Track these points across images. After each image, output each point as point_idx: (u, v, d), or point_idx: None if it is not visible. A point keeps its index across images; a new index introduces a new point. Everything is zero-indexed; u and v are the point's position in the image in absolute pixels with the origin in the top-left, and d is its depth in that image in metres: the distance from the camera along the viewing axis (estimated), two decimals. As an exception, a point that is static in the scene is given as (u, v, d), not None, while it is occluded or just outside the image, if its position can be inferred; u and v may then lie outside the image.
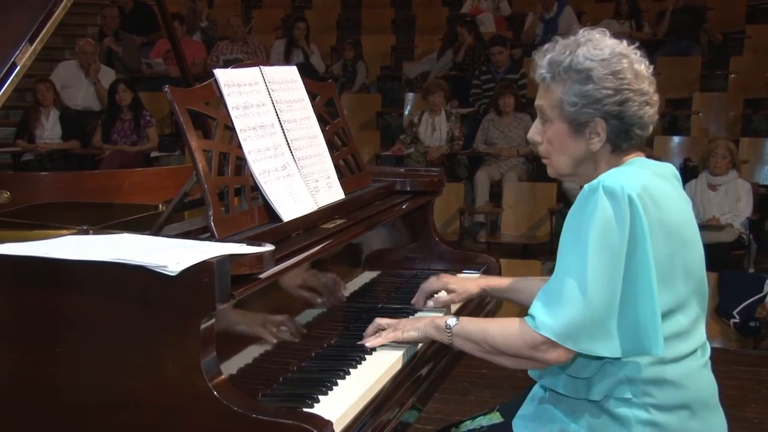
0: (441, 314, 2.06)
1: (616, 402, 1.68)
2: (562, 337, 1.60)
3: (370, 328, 1.93)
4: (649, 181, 1.65)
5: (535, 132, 1.80)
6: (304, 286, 1.94)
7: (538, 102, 1.77)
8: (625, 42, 1.72)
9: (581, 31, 1.72)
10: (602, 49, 1.68)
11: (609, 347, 1.61)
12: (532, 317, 1.65)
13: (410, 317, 1.98)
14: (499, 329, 1.72)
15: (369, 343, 1.89)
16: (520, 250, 6.35)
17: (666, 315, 1.63)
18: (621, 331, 1.61)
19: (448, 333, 1.80)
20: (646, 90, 1.69)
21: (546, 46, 1.74)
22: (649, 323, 1.61)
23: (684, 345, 1.69)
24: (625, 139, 1.71)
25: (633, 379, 1.66)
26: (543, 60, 1.73)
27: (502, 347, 1.70)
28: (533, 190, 6.57)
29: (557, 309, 1.61)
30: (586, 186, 1.64)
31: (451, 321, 1.81)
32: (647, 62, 1.73)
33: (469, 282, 2.19)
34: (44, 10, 2.16)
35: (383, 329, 1.91)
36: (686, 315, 1.69)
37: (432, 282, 2.19)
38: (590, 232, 1.59)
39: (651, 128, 1.73)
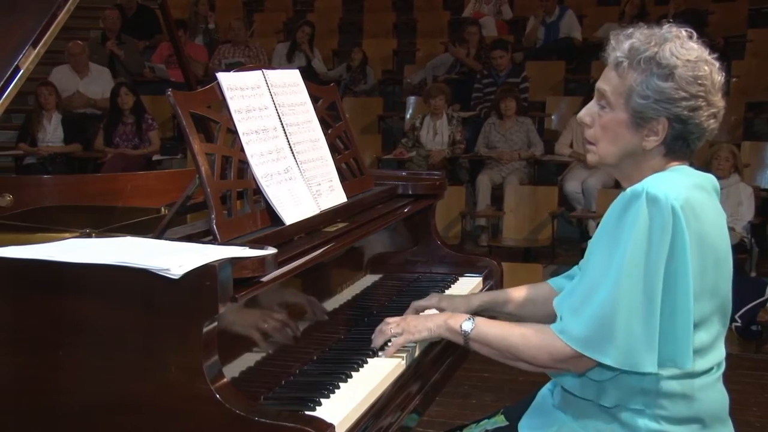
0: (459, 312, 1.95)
1: (627, 412, 1.66)
2: (593, 351, 1.57)
3: (380, 328, 1.89)
4: (691, 193, 1.60)
5: (586, 114, 1.73)
6: (306, 290, 1.94)
7: (601, 85, 1.69)
8: (705, 49, 1.67)
9: (666, 26, 1.66)
10: (689, 50, 1.63)
11: (651, 362, 1.56)
12: (561, 330, 1.61)
13: (419, 315, 1.96)
14: (523, 341, 1.68)
15: (384, 354, 1.86)
16: (521, 253, 6.36)
17: None
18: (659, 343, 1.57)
19: (464, 337, 1.76)
20: (718, 104, 1.65)
21: (628, 30, 1.67)
22: (681, 335, 1.58)
23: (703, 361, 1.66)
24: (681, 146, 1.66)
25: (647, 391, 1.63)
26: (623, 44, 1.66)
27: (525, 358, 1.68)
28: (534, 194, 6.58)
29: (589, 320, 1.57)
30: (628, 190, 1.60)
31: (467, 325, 1.76)
32: (723, 75, 1.67)
33: (462, 303, 2.07)
34: (48, 13, 2.16)
35: (395, 332, 1.87)
36: (708, 331, 1.66)
37: (426, 299, 2.08)
38: (630, 240, 1.54)
39: (705, 141, 1.70)
